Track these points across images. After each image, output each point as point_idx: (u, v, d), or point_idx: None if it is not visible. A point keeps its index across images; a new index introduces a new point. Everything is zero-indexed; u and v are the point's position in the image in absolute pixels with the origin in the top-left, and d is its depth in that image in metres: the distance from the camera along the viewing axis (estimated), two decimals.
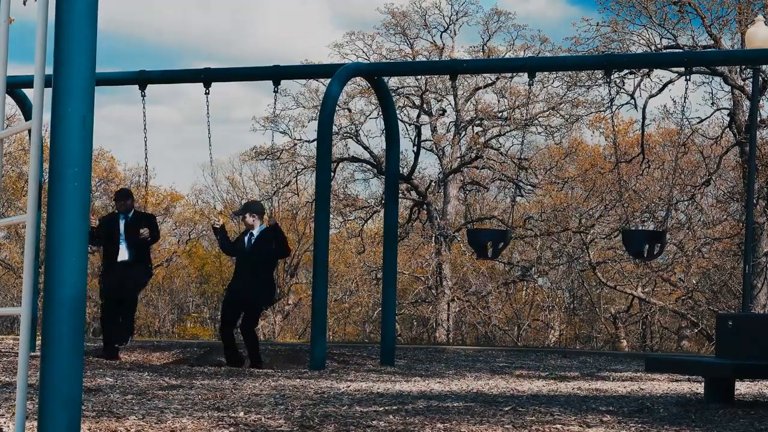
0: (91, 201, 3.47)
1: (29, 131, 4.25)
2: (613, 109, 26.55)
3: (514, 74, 28.69)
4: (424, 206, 32.62)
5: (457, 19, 33.03)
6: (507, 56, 30.48)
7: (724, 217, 30.41)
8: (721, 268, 30.91)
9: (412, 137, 32.52)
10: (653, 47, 26.66)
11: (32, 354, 11.50)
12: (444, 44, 32.85)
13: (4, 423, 6.22)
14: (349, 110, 32.30)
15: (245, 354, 12.66)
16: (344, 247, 36.12)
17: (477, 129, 32.93)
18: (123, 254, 12.86)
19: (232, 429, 6.25)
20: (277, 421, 6.69)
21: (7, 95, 5.36)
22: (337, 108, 19.57)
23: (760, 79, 23.83)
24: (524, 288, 36.40)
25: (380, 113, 25.10)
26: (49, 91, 3.40)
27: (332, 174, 29.43)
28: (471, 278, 33.92)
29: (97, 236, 13.05)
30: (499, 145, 32.85)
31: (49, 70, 3.34)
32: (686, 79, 13.16)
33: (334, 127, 22.26)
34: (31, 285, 3.49)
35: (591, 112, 30.71)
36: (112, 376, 9.96)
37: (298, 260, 35.08)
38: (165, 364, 13.32)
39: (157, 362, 13.62)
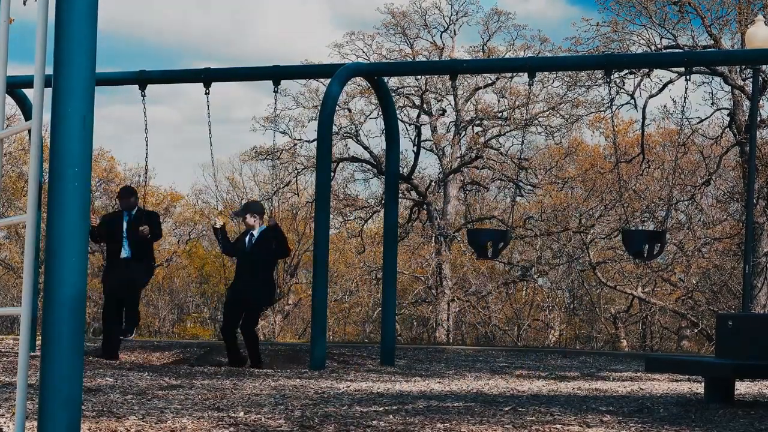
0: (91, 201, 3.47)
1: (29, 131, 4.25)
2: (613, 109, 26.57)
3: (514, 74, 28.70)
4: (424, 206, 32.63)
5: (457, 19, 33.05)
6: (507, 56, 30.48)
7: (724, 217, 30.41)
8: (721, 268, 30.91)
9: (412, 137, 32.55)
10: (653, 47, 26.66)
11: (32, 354, 11.50)
12: (444, 44, 32.86)
13: (4, 423, 6.22)
14: (349, 110, 32.31)
15: (246, 354, 12.67)
16: (344, 247, 36.12)
17: (477, 129, 32.94)
18: (125, 252, 12.88)
19: (232, 429, 6.25)
20: (277, 421, 6.69)
21: (7, 95, 5.36)
22: (337, 108, 19.57)
23: (760, 79, 23.84)
24: (524, 288, 36.40)
25: (380, 113, 25.10)
26: (49, 91, 3.40)
27: (332, 174, 29.43)
28: (471, 278, 33.92)
29: (98, 235, 13.07)
30: (499, 145, 32.86)
31: (49, 70, 3.34)
32: (686, 79, 13.16)
33: (334, 127, 22.27)
34: (31, 285, 3.49)
35: (591, 112, 30.72)
36: (112, 376, 9.96)
37: (298, 260, 35.08)
38: (165, 364, 13.32)
39: (157, 362, 13.62)
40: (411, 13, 32.97)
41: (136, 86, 14.26)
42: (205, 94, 13.85)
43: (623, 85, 26.97)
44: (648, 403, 8.50)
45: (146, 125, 14.02)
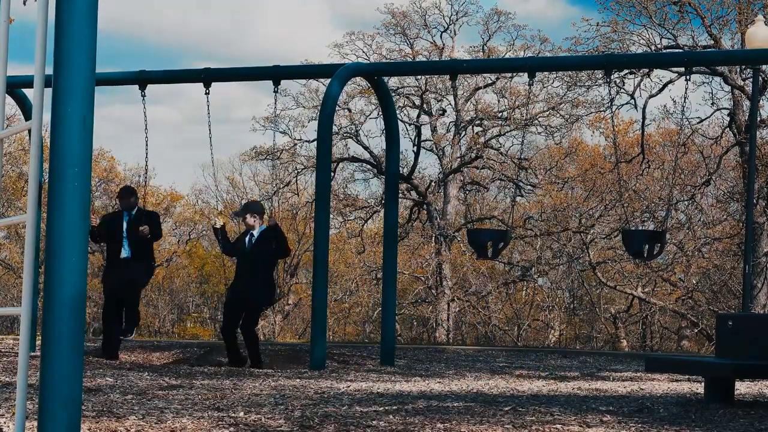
0: (91, 201, 3.47)
1: (29, 131, 4.25)
2: (613, 109, 26.57)
3: (514, 74, 28.69)
4: (424, 206, 32.63)
5: (457, 19, 33.06)
6: (507, 56, 30.48)
7: (724, 217, 30.42)
8: (721, 268, 30.91)
9: (412, 137, 32.55)
10: (653, 47, 26.66)
11: (32, 354, 11.50)
12: (444, 44, 32.86)
13: (4, 423, 6.22)
14: (349, 110, 32.31)
15: (246, 354, 12.68)
16: (344, 247, 36.12)
17: (477, 129, 32.94)
18: (125, 252, 12.89)
19: (232, 429, 6.25)
20: (277, 421, 6.69)
21: (7, 95, 5.36)
22: (337, 108, 19.58)
23: (760, 79, 23.84)
24: (524, 288, 36.40)
25: (380, 113, 25.10)
26: (49, 91, 3.40)
27: (332, 174, 29.43)
28: (471, 278, 33.92)
29: (98, 235, 13.08)
30: (499, 145, 32.86)
31: (49, 70, 3.34)
32: (686, 79, 13.16)
33: (334, 127, 22.27)
34: (31, 285, 3.49)
35: (591, 112, 30.72)
36: (112, 376, 9.96)
37: (298, 260, 35.08)
38: (165, 364, 13.32)
39: (157, 362, 13.62)
40: (411, 13, 33.00)
41: (136, 86, 14.27)
42: (205, 94, 13.86)
43: (623, 85, 26.98)
44: (648, 403, 8.50)
45: (146, 125, 14.03)
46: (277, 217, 23.92)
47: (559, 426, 6.72)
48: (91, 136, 3.36)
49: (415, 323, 37.33)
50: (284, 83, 14.67)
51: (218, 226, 12.91)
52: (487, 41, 32.31)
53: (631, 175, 29.67)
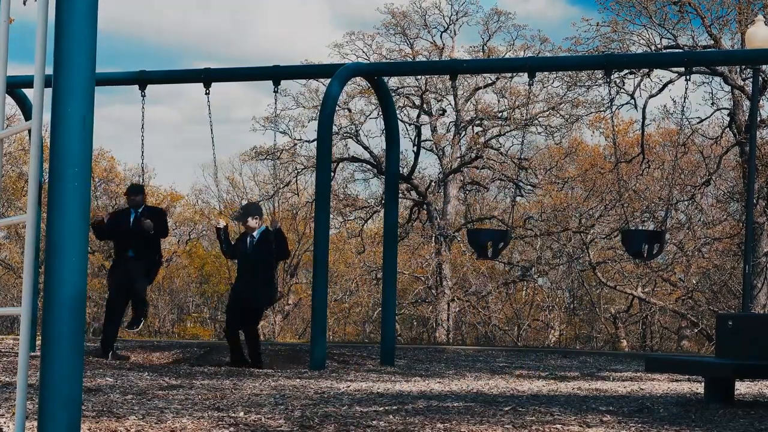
0: (91, 201, 3.47)
1: (29, 131, 4.25)
2: (613, 109, 26.56)
3: (514, 74, 28.69)
4: (424, 206, 32.63)
5: (457, 19, 33.05)
6: (507, 56, 30.48)
7: (724, 217, 30.41)
8: (721, 268, 30.91)
9: (412, 137, 32.55)
10: (653, 47, 26.65)
11: (32, 354, 11.50)
12: (444, 44, 32.86)
13: (4, 423, 6.22)
14: (349, 110, 32.31)
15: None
16: (344, 247, 36.12)
17: (477, 129, 32.94)
18: (131, 249, 12.97)
19: (232, 429, 6.25)
20: (277, 421, 6.69)
21: (7, 95, 5.36)
22: (337, 108, 19.57)
23: (760, 79, 23.83)
24: (524, 288, 36.40)
25: (380, 113, 25.11)
26: (49, 91, 3.40)
27: (332, 174, 29.43)
28: (471, 278, 33.91)
29: (107, 231, 13.16)
30: (499, 145, 32.86)
31: (49, 70, 3.34)
32: (686, 79, 13.16)
33: (334, 127, 22.27)
34: (31, 285, 3.49)
35: (591, 112, 30.72)
36: (112, 376, 9.96)
37: (298, 260, 35.08)
38: (165, 364, 13.33)
39: (157, 362, 13.62)
40: (411, 13, 33.00)
41: (136, 86, 14.29)
42: (206, 94, 13.87)
43: (623, 85, 26.97)
44: (648, 403, 8.49)
45: (143, 124, 14.06)
46: (277, 216, 23.93)
47: (559, 426, 6.72)
48: (91, 136, 3.36)
49: (415, 323, 37.33)
50: (284, 83, 14.68)
51: (221, 226, 12.94)
52: (487, 41, 32.33)
53: (631, 175, 29.67)
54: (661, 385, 10.82)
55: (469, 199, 34.12)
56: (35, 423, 4.38)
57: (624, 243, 13.48)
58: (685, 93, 13.36)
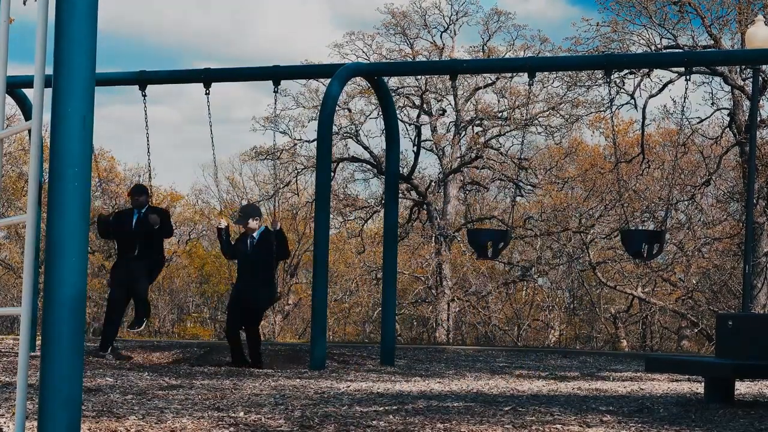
0: (91, 201, 3.47)
1: (29, 131, 4.25)
2: (613, 109, 26.56)
3: (514, 74, 28.69)
4: (424, 206, 32.63)
5: (457, 19, 33.06)
6: (507, 56, 30.48)
7: (724, 217, 30.41)
8: (721, 268, 30.91)
9: (412, 137, 32.55)
10: (653, 47, 26.65)
11: (32, 354, 11.50)
12: (444, 44, 32.86)
13: (4, 423, 6.22)
14: (349, 110, 32.31)
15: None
16: (344, 247, 36.12)
17: (477, 129, 32.94)
18: (134, 249, 12.99)
19: (232, 429, 6.25)
20: (277, 421, 6.69)
21: (7, 95, 5.36)
22: (337, 108, 19.57)
23: (760, 79, 23.83)
24: (524, 288, 36.40)
25: (380, 113, 25.11)
26: (49, 91, 3.40)
27: (332, 174, 29.43)
28: (471, 278, 33.92)
29: (113, 228, 13.18)
30: (499, 145, 32.86)
31: (49, 70, 3.34)
32: (686, 79, 13.16)
33: (334, 127, 22.27)
34: (31, 285, 3.49)
35: (591, 112, 30.72)
36: (112, 376, 9.96)
37: (298, 260, 35.08)
38: (165, 364, 13.33)
39: (157, 362, 13.62)
40: (411, 13, 33.00)
41: (136, 86, 14.29)
42: (206, 94, 13.87)
43: (623, 85, 26.97)
44: (648, 403, 8.49)
45: (146, 124, 14.04)
46: (277, 216, 23.96)
47: (559, 426, 6.72)
48: (91, 136, 3.36)
49: (415, 323, 37.33)
50: (284, 83, 14.68)
51: (222, 226, 12.96)
52: (487, 41, 32.33)
53: (631, 175, 29.67)
54: (661, 385, 10.82)
55: (469, 199, 34.12)
56: (35, 423, 4.38)
57: (624, 243, 13.48)
58: (685, 93, 13.37)
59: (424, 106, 32.48)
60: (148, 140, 13.96)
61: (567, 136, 33.00)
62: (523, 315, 35.29)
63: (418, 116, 32.60)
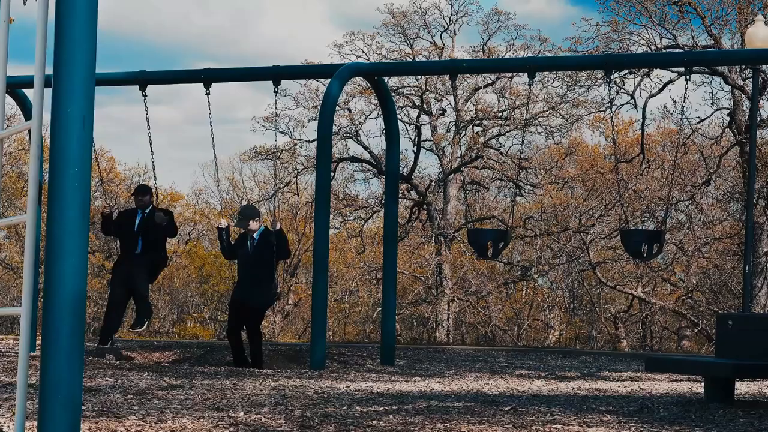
0: (91, 201, 3.46)
1: (29, 131, 4.25)
2: (613, 109, 26.55)
3: (514, 74, 28.69)
4: (424, 206, 32.62)
5: (457, 19, 33.06)
6: (507, 56, 30.49)
7: (724, 217, 30.41)
8: (721, 268, 30.90)
9: (412, 137, 32.55)
10: (653, 47, 26.64)
11: (32, 354, 11.50)
12: (444, 44, 32.86)
13: (4, 423, 6.22)
14: (349, 110, 32.31)
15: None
16: (344, 247, 36.12)
17: (477, 129, 32.94)
18: (137, 248, 13.02)
19: (232, 429, 6.25)
20: (277, 421, 6.69)
21: (7, 95, 5.37)
22: (337, 108, 19.57)
23: (760, 79, 23.83)
24: (524, 288, 36.39)
25: (380, 113, 25.10)
26: (49, 91, 3.39)
27: (332, 174, 29.43)
28: (471, 278, 33.91)
29: (116, 226, 13.21)
30: (499, 145, 32.87)
31: (49, 70, 3.34)
32: (686, 79, 13.16)
33: (334, 127, 22.26)
34: (31, 285, 3.49)
35: (591, 112, 30.73)
36: (112, 376, 9.96)
37: (298, 260, 35.08)
38: (165, 364, 13.33)
39: (157, 362, 13.62)
40: (411, 13, 33.00)
41: (137, 86, 14.29)
42: (206, 94, 13.87)
43: (623, 85, 26.96)
44: (648, 403, 8.49)
45: (148, 123, 14.03)
46: (278, 217, 23.96)
47: (559, 426, 6.72)
48: (91, 136, 3.36)
49: (415, 323, 37.32)
50: (284, 83, 14.68)
51: (222, 226, 12.97)
52: (487, 41, 32.33)
53: (631, 175, 29.66)
54: (661, 385, 10.81)
55: (469, 199, 34.12)
56: (35, 423, 4.38)
57: (623, 243, 13.48)
58: (685, 93, 13.37)
59: (424, 106, 32.48)
60: (150, 141, 13.97)
61: (567, 136, 33.03)
62: (523, 315, 35.29)
63: (418, 116, 32.60)
